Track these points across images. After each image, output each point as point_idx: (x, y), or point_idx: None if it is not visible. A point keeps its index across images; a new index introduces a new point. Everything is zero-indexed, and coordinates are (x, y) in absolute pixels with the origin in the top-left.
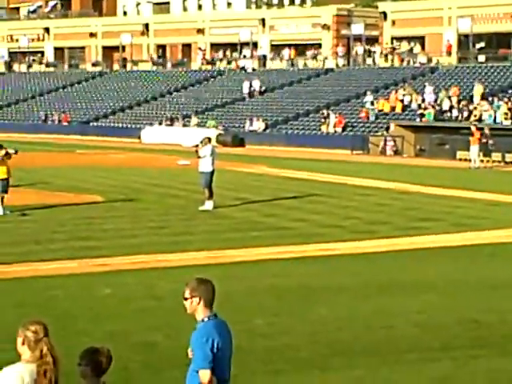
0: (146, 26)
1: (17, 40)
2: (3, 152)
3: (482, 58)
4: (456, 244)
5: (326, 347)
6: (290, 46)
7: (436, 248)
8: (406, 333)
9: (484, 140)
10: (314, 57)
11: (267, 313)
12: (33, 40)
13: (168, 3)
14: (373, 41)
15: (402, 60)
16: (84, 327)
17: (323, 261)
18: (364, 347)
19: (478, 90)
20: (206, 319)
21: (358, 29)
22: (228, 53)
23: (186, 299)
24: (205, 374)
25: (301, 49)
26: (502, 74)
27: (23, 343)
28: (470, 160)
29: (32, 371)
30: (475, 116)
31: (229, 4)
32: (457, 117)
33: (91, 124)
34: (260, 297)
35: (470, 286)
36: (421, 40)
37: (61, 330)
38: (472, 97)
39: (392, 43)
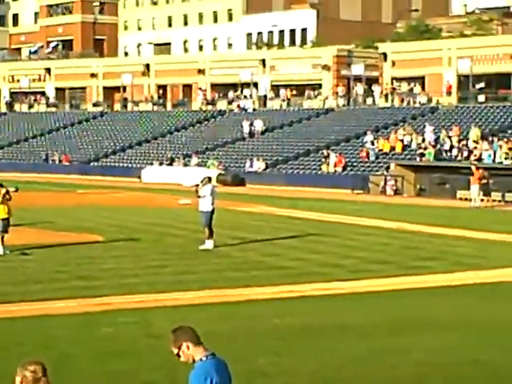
0: (147, 66)
1: (18, 80)
2: (4, 190)
3: (481, 98)
4: (457, 283)
5: None
6: (290, 86)
7: (438, 287)
8: (411, 373)
9: (485, 181)
10: (312, 97)
11: (269, 352)
12: (34, 80)
13: (169, 44)
14: (373, 81)
15: (402, 100)
16: (84, 367)
17: (324, 300)
18: None
19: (473, 132)
20: (204, 358)
21: (358, 69)
22: (229, 93)
23: (178, 356)
24: None
25: (301, 89)
26: (501, 114)
27: (22, 383)
28: (470, 199)
29: None
30: (475, 155)
31: (229, 45)
32: (456, 156)
33: (92, 164)
34: (261, 336)
35: (475, 325)
36: (421, 80)
37: (61, 370)
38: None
39: (392, 83)
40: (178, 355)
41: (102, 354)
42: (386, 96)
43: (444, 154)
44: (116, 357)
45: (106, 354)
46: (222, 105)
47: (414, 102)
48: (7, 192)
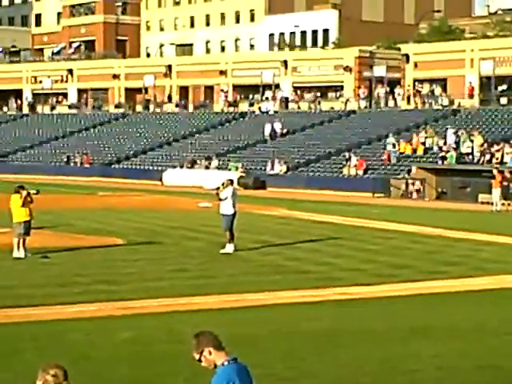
0: (169, 67)
1: (40, 81)
2: (25, 193)
3: (504, 100)
4: (479, 288)
5: None
6: (312, 87)
7: (459, 292)
8: (430, 377)
9: (505, 183)
10: (337, 98)
11: (290, 357)
12: (56, 81)
13: (191, 45)
14: (395, 83)
15: (424, 102)
16: (104, 371)
17: (345, 305)
18: None
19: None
20: (226, 363)
21: (380, 71)
22: (250, 95)
23: (200, 361)
24: None
25: (323, 90)
26: None
27: None
28: (492, 203)
29: None
30: (497, 159)
31: (251, 46)
32: (479, 160)
33: (113, 166)
34: (283, 340)
35: (493, 331)
36: (443, 82)
37: (81, 374)
38: (495, 141)
39: (414, 85)
40: (200, 360)
41: (121, 358)
42: (408, 98)
43: (466, 157)
44: (136, 361)
45: (126, 359)
46: (243, 106)
47: (436, 104)
48: (28, 194)
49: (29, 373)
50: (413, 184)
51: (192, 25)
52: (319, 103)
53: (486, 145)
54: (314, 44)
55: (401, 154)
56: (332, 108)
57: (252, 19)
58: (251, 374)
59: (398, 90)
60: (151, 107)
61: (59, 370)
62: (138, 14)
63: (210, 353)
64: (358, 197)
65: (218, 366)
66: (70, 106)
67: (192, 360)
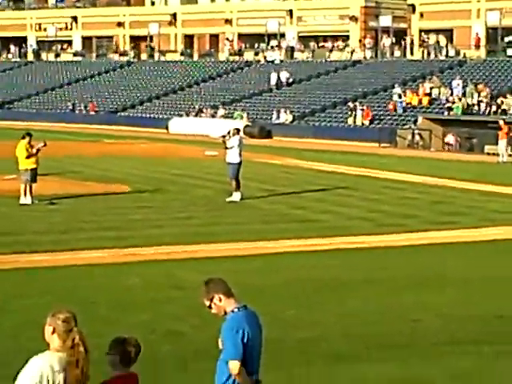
0: (174, 15)
1: (45, 29)
2: (35, 150)
3: (510, 51)
4: (485, 239)
5: (357, 340)
6: (317, 37)
7: (465, 242)
8: (436, 326)
9: None
10: (342, 48)
11: (298, 305)
12: (61, 29)
13: None
14: (401, 33)
15: (430, 53)
16: (111, 316)
17: (351, 254)
18: (394, 340)
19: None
20: (235, 310)
21: (385, 21)
22: (255, 44)
23: (210, 307)
24: (235, 365)
25: (328, 40)
26: None
27: (53, 332)
28: (498, 154)
29: (61, 360)
30: (503, 110)
31: None
32: (485, 111)
33: (119, 114)
34: (290, 289)
35: (499, 281)
36: (449, 33)
37: (88, 320)
38: (500, 92)
39: (420, 36)
40: (210, 307)
41: (128, 304)
42: (412, 48)
43: (472, 109)
44: (141, 306)
45: (134, 304)
46: (248, 55)
47: (442, 55)
48: (38, 151)
49: (31, 318)
50: (419, 135)
51: None
52: (330, 51)
53: (490, 96)
54: None
55: (407, 104)
56: (347, 58)
57: None
58: (260, 321)
59: (403, 41)
60: (156, 55)
61: (70, 315)
62: None
63: (220, 299)
64: (365, 147)
65: (228, 312)
66: (74, 54)
67: (197, 306)
